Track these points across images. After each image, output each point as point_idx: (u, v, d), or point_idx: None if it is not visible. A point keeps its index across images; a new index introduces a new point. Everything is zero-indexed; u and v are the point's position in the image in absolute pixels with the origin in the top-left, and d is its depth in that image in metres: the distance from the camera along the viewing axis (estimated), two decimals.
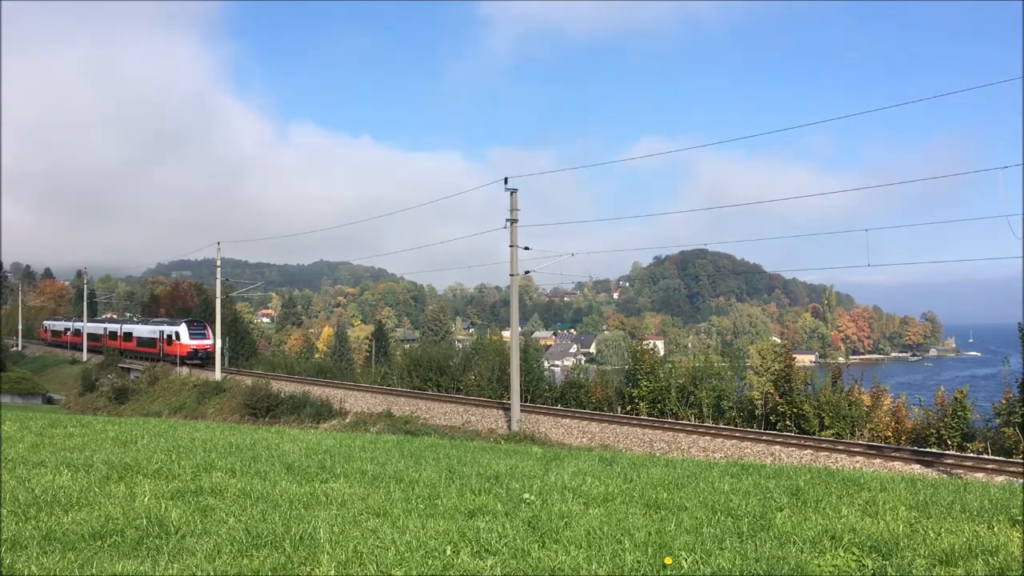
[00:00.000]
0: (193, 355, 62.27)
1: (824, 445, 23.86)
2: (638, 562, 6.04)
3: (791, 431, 27.27)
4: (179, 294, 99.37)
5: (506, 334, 46.88)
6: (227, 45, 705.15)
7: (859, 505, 8.60)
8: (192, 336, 63.38)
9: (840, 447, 23.46)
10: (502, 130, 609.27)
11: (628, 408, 33.60)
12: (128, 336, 75.83)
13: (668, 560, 6.04)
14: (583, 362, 69.12)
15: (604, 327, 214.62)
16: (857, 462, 21.43)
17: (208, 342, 61.27)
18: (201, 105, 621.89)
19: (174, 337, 63.96)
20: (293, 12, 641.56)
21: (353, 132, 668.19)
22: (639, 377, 33.53)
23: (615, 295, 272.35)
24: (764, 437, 25.74)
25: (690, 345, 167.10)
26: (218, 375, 54.32)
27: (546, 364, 46.92)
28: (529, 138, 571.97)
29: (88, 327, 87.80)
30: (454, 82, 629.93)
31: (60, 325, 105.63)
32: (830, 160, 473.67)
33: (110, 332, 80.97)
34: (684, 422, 30.21)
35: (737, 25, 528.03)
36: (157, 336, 67.63)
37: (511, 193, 31.06)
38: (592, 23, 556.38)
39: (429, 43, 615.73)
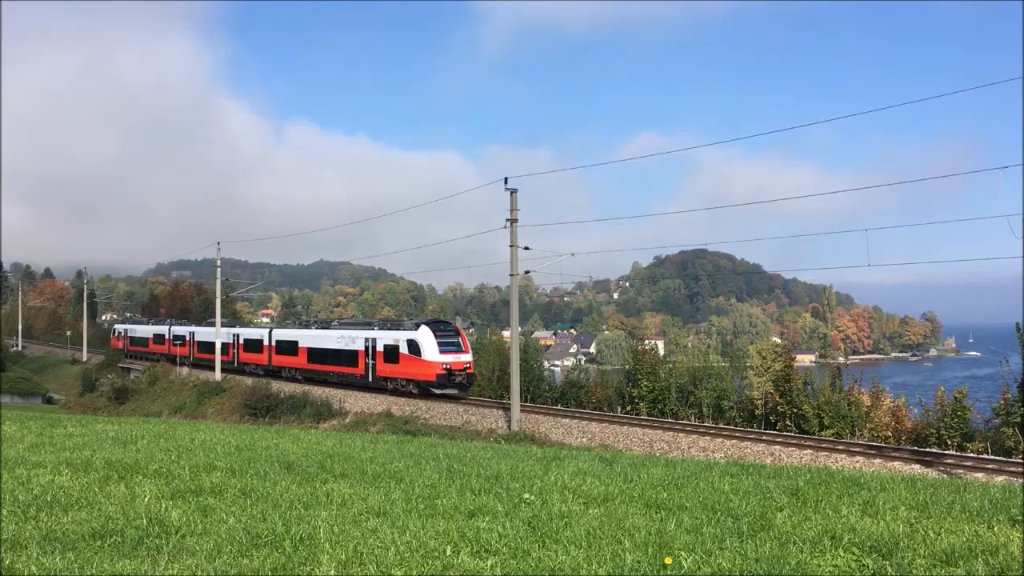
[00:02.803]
0: (446, 379, 37.07)
1: (824, 445, 23.86)
2: (638, 562, 6.04)
3: (791, 431, 27.27)
4: (179, 294, 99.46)
5: (506, 334, 46.74)
6: (224, 44, 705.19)
7: (859, 505, 8.60)
8: (443, 348, 37.42)
9: (840, 447, 23.46)
10: (499, 128, 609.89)
11: (628, 408, 33.61)
12: (289, 347, 49.84)
13: (668, 560, 6.04)
14: (583, 362, 68.92)
15: (604, 327, 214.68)
16: (857, 462, 21.42)
17: (467, 357, 37.84)
18: (198, 104, 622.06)
19: (406, 349, 38.33)
20: (290, 11, 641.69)
21: (349, 130, 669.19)
22: (639, 377, 33.55)
23: (615, 295, 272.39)
24: (764, 437, 25.74)
25: (690, 345, 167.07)
26: (218, 375, 54.31)
27: (546, 364, 46.98)
28: (526, 136, 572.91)
29: (209, 333, 60.58)
30: (450, 80, 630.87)
31: (151, 330, 73.79)
32: (831, 158, 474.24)
33: (265, 340, 53.62)
34: (684, 422, 30.24)
35: (737, 23, 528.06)
36: (365, 346, 41.93)
37: (511, 193, 31.06)
38: (589, 18, 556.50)
39: (424, 41, 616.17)
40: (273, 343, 52.37)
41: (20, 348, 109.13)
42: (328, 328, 49.23)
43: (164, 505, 7.87)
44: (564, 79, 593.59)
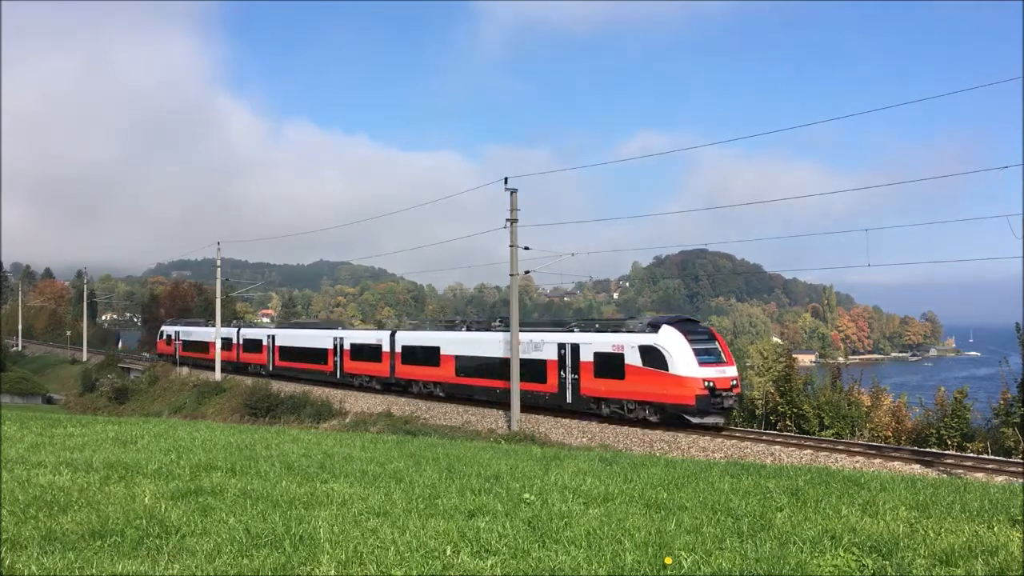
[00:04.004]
0: (708, 403, 26.27)
1: (824, 445, 23.84)
2: (638, 562, 6.04)
3: (791, 431, 27.26)
4: (179, 294, 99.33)
5: None
6: (223, 43, 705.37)
7: (859, 505, 8.60)
8: (702, 357, 26.79)
9: (840, 447, 23.45)
10: (499, 128, 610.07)
11: None
12: (427, 355, 38.40)
13: (668, 560, 6.05)
14: None
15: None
16: (857, 462, 21.41)
17: (732, 371, 27.24)
18: (198, 103, 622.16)
19: (638, 359, 27.61)
20: (289, 10, 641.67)
21: (348, 130, 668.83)
22: None
23: (615, 295, 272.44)
24: (764, 437, 25.72)
25: None
26: (218, 375, 54.31)
27: None
28: (525, 136, 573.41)
29: (302, 337, 51.45)
30: (449, 79, 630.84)
31: (213, 333, 58.53)
32: (832, 157, 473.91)
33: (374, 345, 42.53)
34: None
35: (737, 23, 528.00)
36: (559, 355, 30.97)
37: (511, 193, 31.05)
38: (588, 18, 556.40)
39: (423, 40, 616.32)
40: (398, 349, 40.30)
41: (20, 348, 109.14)
42: (491, 330, 35.98)
43: (164, 505, 7.87)
44: (563, 78, 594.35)
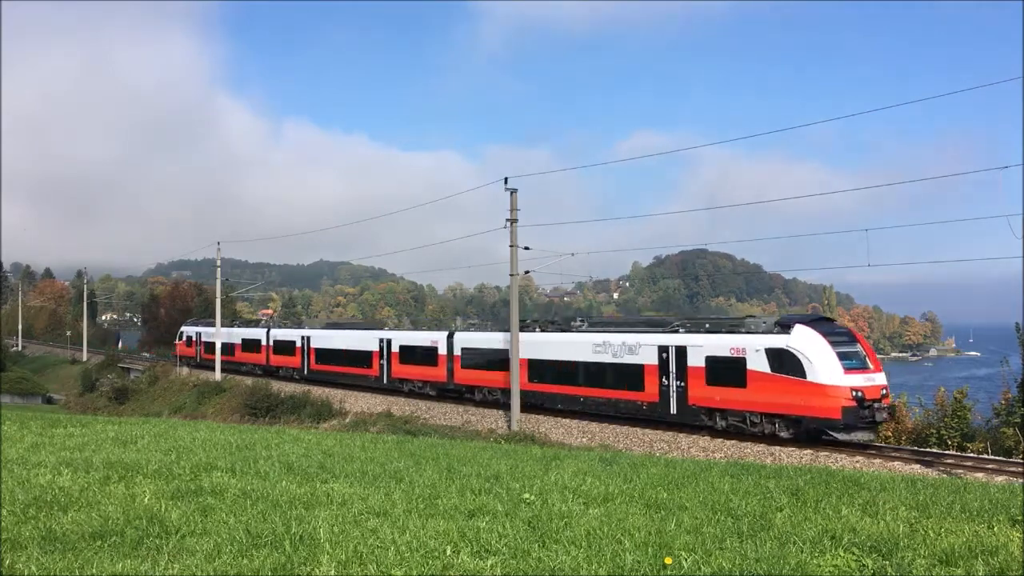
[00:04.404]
0: (857, 416, 22.40)
1: (824, 445, 23.84)
2: (638, 562, 6.04)
3: None
4: (179, 294, 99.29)
5: None
6: (223, 43, 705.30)
7: (859, 505, 8.61)
8: (847, 362, 23.04)
9: (840, 447, 23.44)
10: (499, 128, 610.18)
11: None
12: (494, 357, 34.64)
13: (668, 560, 6.05)
14: None
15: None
16: (857, 462, 21.41)
17: (881, 378, 23.63)
18: (198, 103, 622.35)
19: (765, 363, 24.11)
20: (288, 10, 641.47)
21: (347, 129, 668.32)
22: None
23: (615, 295, 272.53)
24: (764, 437, 25.72)
25: None
26: (218, 375, 54.31)
27: None
28: (525, 136, 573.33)
29: (328, 336, 48.53)
30: (449, 79, 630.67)
31: (240, 333, 57.72)
32: (832, 157, 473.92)
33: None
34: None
35: (737, 23, 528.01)
36: (660, 359, 27.36)
37: (511, 193, 31.06)
38: (587, 17, 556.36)
39: (422, 40, 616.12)
40: (457, 352, 36.68)
41: (20, 348, 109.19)
42: (571, 331, 32.48)
43: (164, 505, 7.87)
44: (563, 78, 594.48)
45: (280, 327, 58.10)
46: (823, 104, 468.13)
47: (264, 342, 53.61)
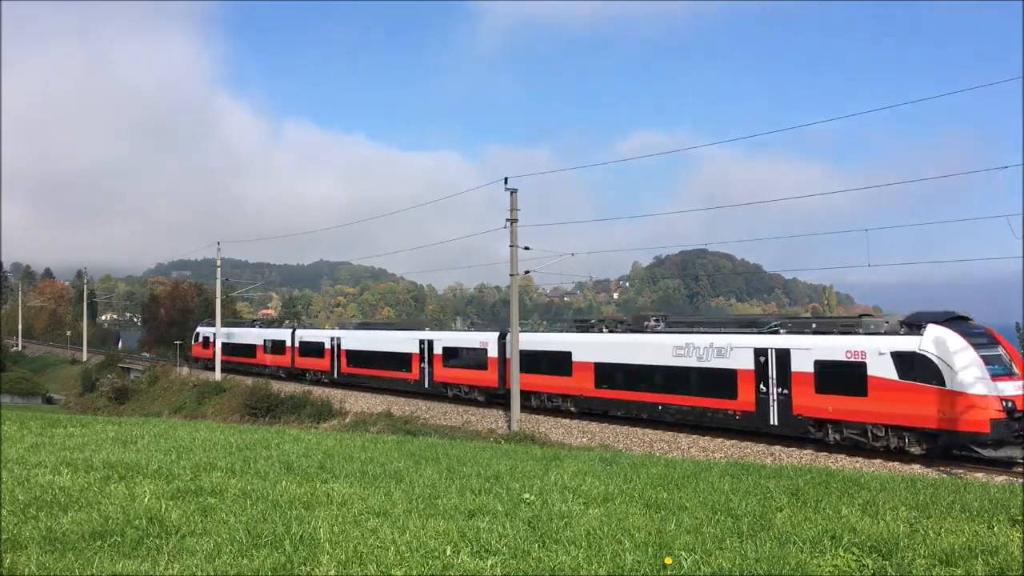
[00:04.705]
0: (1006, 428, 19.80)
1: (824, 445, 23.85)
2: (638, 562, 6.04)
3: None
4: (179, 294, 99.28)
5: None
6: (222, 43, 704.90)
7: (859, 505, 8.61)
8: (993, 367, 20.45)
9: (830, 449, 23.44)
10: (498, 128, 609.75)
11: None
12: (553, 360, 32.22)
13: (668, 560, 6.05)
14: None
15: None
16: (857, 462, 21.41)
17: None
18: (198, 103, 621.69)
19: (891, 369, 21.60)
20: (288, 10, 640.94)
21: (347, 129, 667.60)
22: None
23: (615, 295, 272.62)
24: (764, 437, 25.73)
25: None
26: (218, 375, 54.32)
27: None
28: (525, 135, 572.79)
29: (361, 337, 45.48)
30: (448, 79, 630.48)
31: (262, 335, 55.73)
32: (832, 157, 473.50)
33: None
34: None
35: (737, 22, 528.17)
36: (757, 362, 24.92)
37: (511, 193, 31.09)
38: (586, 16, 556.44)
39: (421, 40, 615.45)
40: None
41: (20, 348, 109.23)
42: (645, 331, 29.96)
43: (164, 505, 7.87)
44: (563, 78, 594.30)
45: (306, 327, 55.52)
46: (823, 104, 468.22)
47: (289, 343, 50.72)
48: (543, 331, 36.47)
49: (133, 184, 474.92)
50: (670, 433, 27.13)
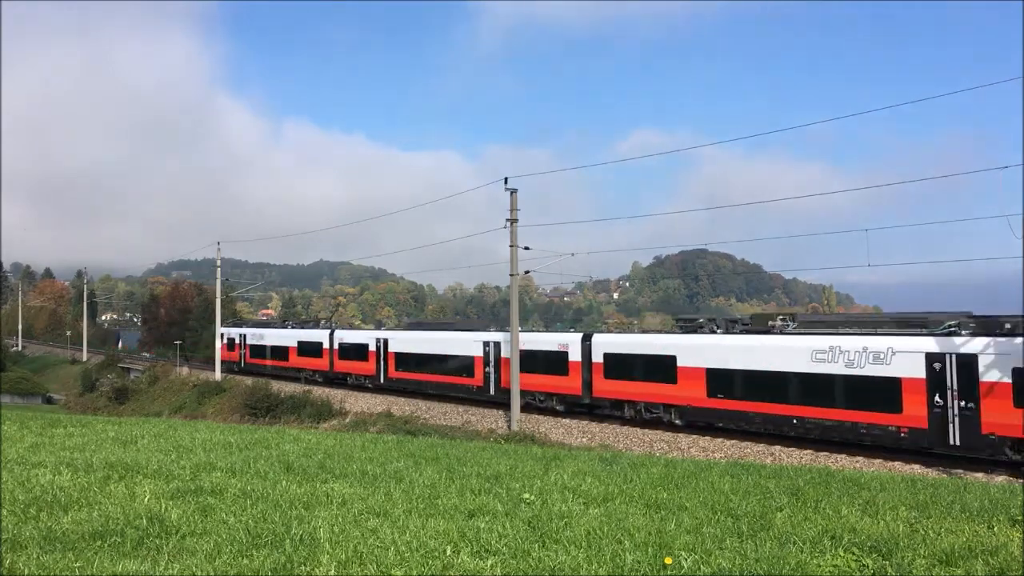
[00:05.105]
0: None
1: (824, 445, 23.86)
2: (638, 562, 6.04)
3: None
4: (179, 294, 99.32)
5: None
6: (222, 43, 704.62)
7: (859, 505, 8.61)
8: None
9: (840, 447, 23.45)
10: (497, 127, 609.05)
11: None
12: (654, 366, 29.03)
13: (668, 560, 6.05)
14: None
15: (604, 327, 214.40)
16: (857, 462, 21.43)
17: None
18: (198, 103, 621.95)
19: None
20: (287, 10, 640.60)
21: (347, 129, 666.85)
22: None
23: (615, 295, 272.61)
24: (764, 437, 25.74)
25: None
26: (218, 375, 54.33)
27: None
28: (525, 135, 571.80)
29: (412, 339, 41.31)
30: (447, 79, 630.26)
31: (296, 336, 51.86)
32: (833, 157, 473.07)
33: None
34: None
35: (736, 22, 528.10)
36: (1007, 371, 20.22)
37: (511, 193, 31.11)
38: (585, 15, 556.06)
39: (420, 40, 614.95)
40: (598, 358, 30.64)
41: (20, 348, 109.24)
42: (780, 332, 26.43)
43: (164, 505, 7.87)
44: (562, 77, 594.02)
45: (346, 327, 51.29)
46: (823, 104, 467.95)
47: (327, 345, 47.14)
48: (636, 332, 32.23)
49: (133, 184, 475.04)
50: (670, 433, 27.13)
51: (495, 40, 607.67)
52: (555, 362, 32.27)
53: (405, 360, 40.62)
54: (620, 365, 29.82)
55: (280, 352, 52.31)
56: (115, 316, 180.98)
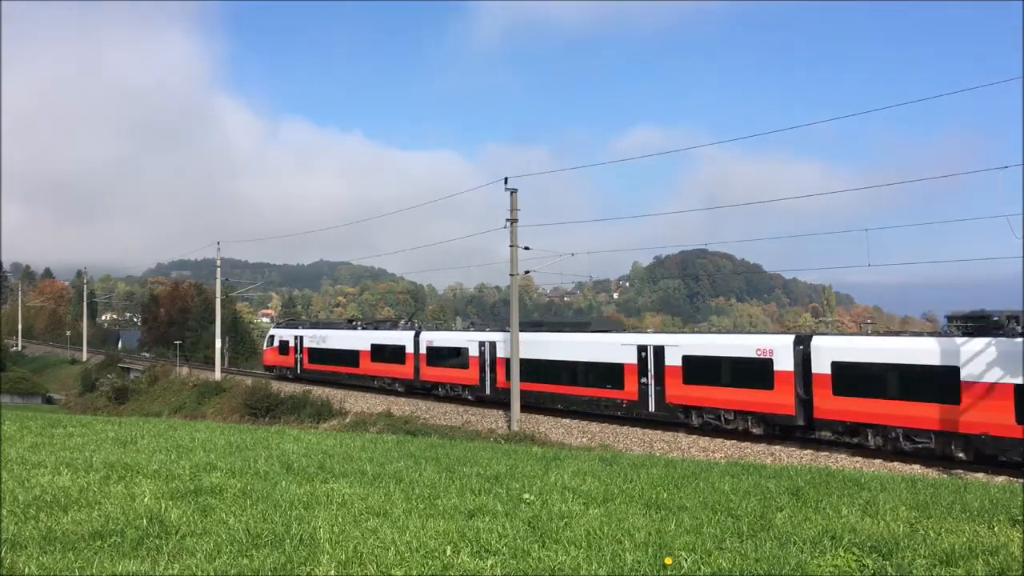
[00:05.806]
0: None
1: (824, 445, 23.85)
2: (638, 562, 6.04)
3: None
4: (179, 294, 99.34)
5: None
6: (220, 42, 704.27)
7: (859, 505, 8.61)
8: None
9: (840, 447, 23.44)
10: (496, 126, 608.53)
11: None
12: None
13: (668, 560, 6.05)
14: None
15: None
16: (857, 462, 21.42)
17: None
18: (196, 103, 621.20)
19: None
20: (285, 9, 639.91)
21: (345, 129, 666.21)
22: None
23: (615, 295, 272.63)
24: (764, 437, 25.72)
25: None
26: (218, 375, 54.32)
27: None
28: (524, 134, 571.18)
29: (527, 340, 33.06)
30: (447, 78, 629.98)
31: (369, 338, 44.28)
32: (833, 156, 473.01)
33: None
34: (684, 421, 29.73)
35: (736, 21, 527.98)
36: None
37: (511, 193, 31.11)
38: (583, 14, 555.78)
39: (418, 39, 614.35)
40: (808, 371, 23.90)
41: (20, 348, 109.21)
42: (917, 334, 24.10)
43: (164, 505, 7.87)
44: (561, 76, 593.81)
45: (431, 328, 45.54)
46: (823, 104, 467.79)
47: (411, 349, 40.22)
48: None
49: (133, 184, 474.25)
50: (670, 433, 27.13)
51: (493, 39, 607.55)
52: (750, 372, 25.39)
53: (522, 368, 32.27)
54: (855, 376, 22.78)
55: (348, 357, 44.87)
56: (115, 316, 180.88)
